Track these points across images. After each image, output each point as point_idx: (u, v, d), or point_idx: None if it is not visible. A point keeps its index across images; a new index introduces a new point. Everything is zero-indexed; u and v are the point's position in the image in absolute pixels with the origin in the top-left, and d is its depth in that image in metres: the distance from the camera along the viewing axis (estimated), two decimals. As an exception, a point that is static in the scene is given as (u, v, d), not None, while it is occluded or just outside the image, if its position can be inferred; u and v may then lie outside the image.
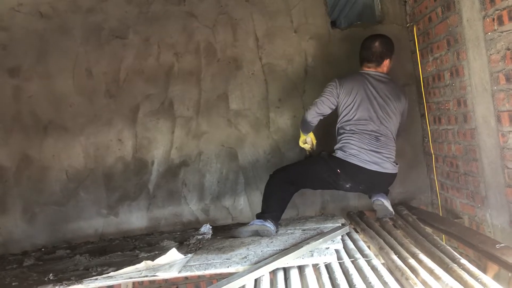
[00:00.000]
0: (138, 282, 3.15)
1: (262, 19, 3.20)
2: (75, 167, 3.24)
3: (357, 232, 2.55)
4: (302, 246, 2.11)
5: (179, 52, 3.22)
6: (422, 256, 1.93)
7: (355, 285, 1.71)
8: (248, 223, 2.61)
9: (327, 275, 1.87)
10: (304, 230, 2.55)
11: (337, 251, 2.11)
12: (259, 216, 2.60)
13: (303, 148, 3.00)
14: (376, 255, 2.08)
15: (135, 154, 3.26)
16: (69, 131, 3.22)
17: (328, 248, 2.13)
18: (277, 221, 2.58)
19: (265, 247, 2.30)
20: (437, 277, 1.68)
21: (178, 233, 2.99)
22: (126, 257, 2.42)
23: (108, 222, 3.23)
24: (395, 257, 1.97)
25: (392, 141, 2.72)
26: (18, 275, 2.34)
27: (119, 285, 2.99)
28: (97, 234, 3.20)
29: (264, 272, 1.94)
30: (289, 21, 3.19)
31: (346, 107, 2.68)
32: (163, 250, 2.38)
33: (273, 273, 1.97)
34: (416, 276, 1.71)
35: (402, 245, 2.14)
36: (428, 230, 2.37)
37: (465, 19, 2.29)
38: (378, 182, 2.70)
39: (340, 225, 2.55)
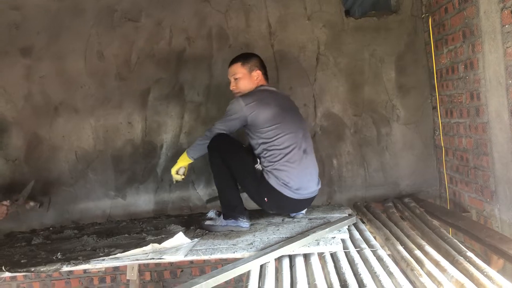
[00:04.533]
0: (144, 264, 3.18)
1: (275, 5, 3.17)
2: (84, 148, 3.26)
3: (363, 222, 2.54)
4: (308, 235, 2.11)
5: (191, 36, 3.20)
6: (428, 248, 1.93)
7: (360, 274, 1.71)
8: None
9: (332, 264, 1.88)
10: (310, 219, 2.55)
11: (343, 240, 2.11)
12: (228, 215, 2.50)
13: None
14: (382, 246, 2.08)
15: (144, 138, 3.27)
16: (79, 112, 3.24)
17: (334, 237, 2.13)
18: (244, 212, 2.52)
19: (271, 234, 2.31)
20: (442, 269, 1.68)
21: (185, 217, 3.00)
22: (133, 239, 2.44)
23: (116, 204, 3.25)
24: (401, 248, 1.97)
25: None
26: (26, 253, 2.37)
27: (125, 266, 3.03)
28: (105, 216, 3.23)
29: (269, 258, 1.94)
30: (303, 8, 3.16)
31: None
32: (170, 234, 2.40)
33: (279, 260, 1.98)
34: (421, 267, 1.72)
35: (408, 236, 2.14)
36: (435, 222, 2.36)
37: (482, 11, 2.25)
38: None
39: (347, 215, 2.55)
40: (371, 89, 3.14)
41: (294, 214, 2.63)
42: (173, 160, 3.23)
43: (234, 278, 3.29)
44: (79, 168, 3.25)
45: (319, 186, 2.61)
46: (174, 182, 2.74)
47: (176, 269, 3.35)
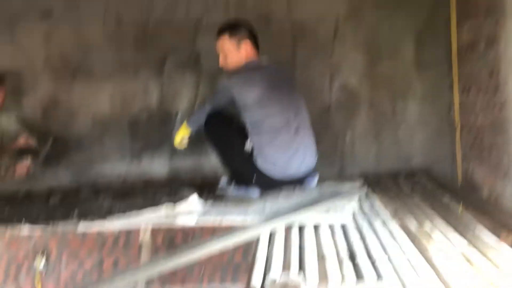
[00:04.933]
0: (156, 228, 3.26)
1: (295, -24, 3.13)
2: (101, 113, 3.31)
3: (373, 195, 2.57)
4: (318, 204, 2.14)
5: (209, 5, 3.19)
6: (437, 222, 1.95)
7: (368, 244, 1.75)
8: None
9: (341, 233, 1.91)
10: (321, 189, 2.58)
11: (353, 211, 2.14)
12: (239, 184, 2.56)
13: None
14: (391, 218, 2.11)
15: (160, 105, 3.30)
16: (97, 78, 3.28)
17: (344, 208, 2.16)
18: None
19: (282, 202, 2.35)
20: (451, 243, 1.70)
21: (198, 184, 3.06)
22: (148, 202, 2.49)
23: (131, 169, 3.32)
24: (410, 220, 1.99)
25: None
26: (44, 210, 2.46)
27: (138, 231, 3.12)
28: (120, 179, 3.30)
29: (279, 225, 1.99)
30: (323, -22, 3.12)
31: None
32: (183, 199, 2.45)
33: (288, 228, 2.02)
34: (430, 240, 1.74)
35: (418, 209, 2.16)
36: (446, 198, 2.38)
37: (507, -14, 2.21)
38: None
39: (358, 187, 2.57)
40: (388, 63, 3.11)
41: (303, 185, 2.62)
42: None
43: (242, 248, 3.38)
44: (96, 133, 3.31)
45: (315, 162, 2.58)
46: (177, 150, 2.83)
47: (188, 233, 3.42)
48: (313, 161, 2.57)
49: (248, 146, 2.48)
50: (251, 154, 2.46)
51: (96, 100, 3.31)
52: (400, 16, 3.07)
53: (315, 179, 2.67)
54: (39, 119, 3.31)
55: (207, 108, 2.56)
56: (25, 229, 2.23)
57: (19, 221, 2.24)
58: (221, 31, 2.52)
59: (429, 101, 3.11)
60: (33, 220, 2.25)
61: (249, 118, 2.44)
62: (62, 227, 2.17)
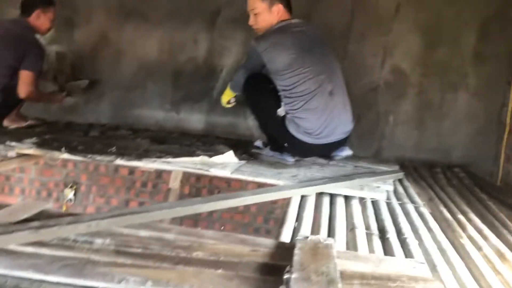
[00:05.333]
0: (185, 177, 3.32)
1: None
2: (148, 57, 3.33)
3: (408, 181, 2.52)
4: (353, 179, 2.12)
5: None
6: (472, 216, 1.90)
7: (400, 224, 1.72)
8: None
9: (372, 210, 1.90)
10: (356, 166, 2.55)
11: (387, 191, 2.11)
12: (275, 148, 2.54)
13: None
14: (424, 205, 2.07)
15: (207, 59, 3.30)
16: (149, 21, 3.29)
17: (379, 187, 2.13)
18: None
19: (315, 172, 2.34)
20: (484, 237, 1.66)
21: (233, 141, 3.07)
22: (184, 150, 2.52)
23: (169, 117, 3.36)
24: (443, 210, 1.96)
25: None
26: (84, 142, 2.51)
27: (169, 176, 3.18)
28: (157, 126, 3.35)
29: (311, 192, 1.98)
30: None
31: None
32: (218, 152, 2.47)
33: (320, 195, 2.01)
34: (463, 231, 1.71)
35: (453, 201, 2.11)
36: (483, 196, 2.32)
37: None
38: None
39: (394, 170, 2.53)
40: (446, 51, 3.00)
41: (333, 154, 2.59)
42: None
43: (266, 208, 3.42)
44: (140, 76, 3.35)
45: (351, 127, 2.52)
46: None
47: (214, 188, 3.48)
48: (348, 126, 2.49)
49: (280, 111, 2.45)
50: (283, 119, 2.41)
51: (145, 44, 3.32)
52: (469, 1, 2.93)
53: (347, 149, 2.63)
54: (86, 54, 3.36)
55: (242, 72, 2.54)
56: (62, 156, 2.28)
57: (58, 148, 2.29)
58: None
59: (481, 96, 3.00)
60: (71, 149, 2.30)
61: (281, 83, 2.38)
62: (101, 159, 2.21)
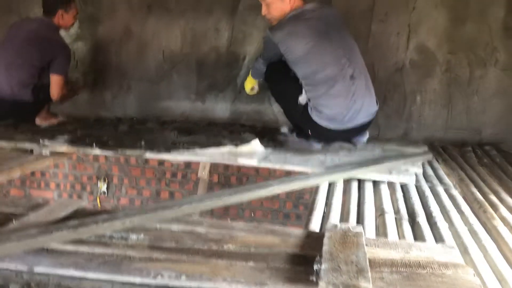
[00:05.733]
0: (214, 166, 3.36)
1: None
2: (171, 49, 3.36)
3: (438, 162, 2.50)
4: (381, 163, 2.11)
5: None
6: (504, 195, 1.88)
7: (430, 207, 1.72)
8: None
9: (401, 194, 1.89)
10: (384, 149, 2.54)
11: (416, 174, 2.10)
12: (301, 134, 2.53)
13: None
14: (455, 186, 2.05)
15: (229, 47, 3.30)
16: (171, 13, 3.30)
17: (408, 170, 2.12)
18: None
19: (342, 157, 2.34)
20: (519, 217, 1.64)
21: (259, 128, 3.09)
22: (210, 140, 2.55)
23: (195, 107, 3.39)
24: (475, 190, 1.94)
25: None
26: (114, 137, 2.57)
27: (197, 165, 3.23)
28: (184, 116, 3.38)
29: (339, 178, 1.99)
30: None
31: None
32: (244, 141, 2.49)
33: (348, 181, 2.02)
34: (495, 212, 1.69)
35: (484, 181, 2.08)
36: (516, 174, 2.27)
37: None
38: None
39: (423, 151, 2.50)
40: (473, 26, 2.91)
41: (354, 140, 2.55)
42: (254, 73, 3.28)
43: (295, 193, 3.44)
44: (165, 68, 3.38)
45: (376, 108, 2.46)
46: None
47: (243, 176, 3.52)
48: (373, 108, 2.43)
49: (302, 99, 2.42)
50: (305, 106, 2.38)
51: (168, 36, 3.35)
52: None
53: (367, 134, 2.59)
54: (112, 48, 3.42)
55: (262, 62, 2.54)
56: (94, 152, 2.35)
57: (89, 144, 2.36)
58: None
59: (511, 71, 2.91)
60: (102, 145, 2.36)
61: (300, 71, 2.33)
62: (131, 153, 2.27)
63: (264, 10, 2.40)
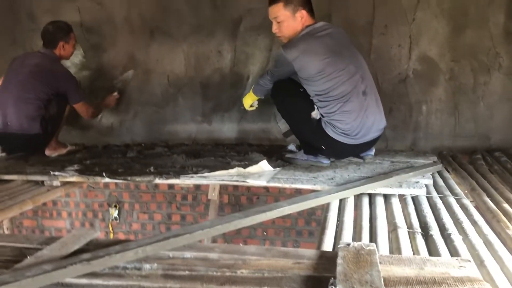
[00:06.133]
0: (224, 187, 3.37)
1: None
2: (176, 73, 3.40)
3: (448, 172, 2.48)
4: (391, 176, 2.11)
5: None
6: (518, 203, 1.86)
7: (442, 219, 1.70)
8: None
9: (413, 207, 1.88)
10: (393, 162, 2.53)
11: (426, 186, 2.09)
12: (309, 151, 2.52)
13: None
14: (466, 196, 2.04)
15: (232, 68, 3.33)
16: (173, 38, 3.35)
17: (418, 182, 2.11)
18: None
19: (352, 172, 2.33)
20: (533, 225, 1.62)
21: (266, 147, 3.10)
22: (218, 162, 2.57)
23: (202, 129, 3.41)
24: (487, 199, 1.92)
25: None
26: (123, 164, 2.59)
27: (207, 187, 3.24)
28: (191, 139, 3.41)
29: (349, 194, 1.98)
30: None
31: None
32: (253, 161, 2.50)
33: (359, 197, 2.01)
34: (508, 220, 1.67)
35: (496, 189, 2.06)
36: (528, 180, 2.25)
37: None
38: None
39: (432, 162, 2.49)
40: (473, 33, 2.92)
41: (363, 155, 2.59)
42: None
43: (307, 210, 3.43)
44: (170, 92, 3.42)
45: (385, 124, 2.50)
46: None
47: (253, 195, 3.52)
48: (382, 123, 2.48)
49: (315, 114, 2.43)
50: (319, 121, 2.40)
51: (171, 60, 3.39)
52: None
53: (373, 148, 2.63)
54: (116, 76, 3.47)
55: (269, 79, 2.53)
56: (104, 180, 2.37)
57: (99, 173, 2.38)
58: None
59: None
60: (112, 173, 2.38)
61: (314, 88, 2.35)
62: (140, 180, 2.28)
63: (274, 28, 2.40)
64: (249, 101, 2.77)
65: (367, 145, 2.50)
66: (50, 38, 2.92)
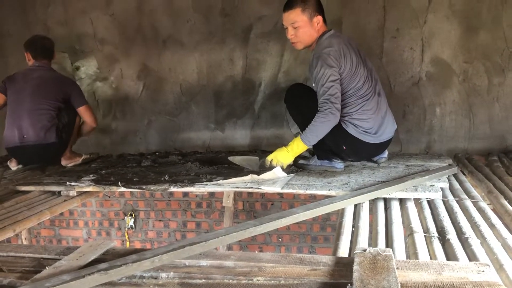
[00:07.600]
0: (238, 194, 3.37)
1: None
2: (188, 81, 3.43)
3: (464, 174, 2.45)
4: (406, 180, 2.08)
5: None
6: (536, 206, 1.83)
7: (459, 222, 1.68)
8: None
9: (429, 211, 1.86)
10: (408, 165, 2.51)
11: (442, 189, 2.06)
12: (322, 156, 2.50)
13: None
14: (483, 198, 2.01)
15: (244, 75, 3.35)
16: (185, 47, 3.38)
17: (433, 185, 2.08)
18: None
19: (366, 177, 2.32)
20: (553, 228, 1.59)
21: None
22: (232, 169, 2.57)
23: (215, 136, 3.43)
24: (505, 202, 1.89)
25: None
26: (138, 173, 2.61)
27: (221, 194, 3.24)
28: (204, 146, 3.43)
29: (364, 199, 1.97)
30: None
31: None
32: (267, 169, 2.49)
33: (374, 202, 1.99)
34: (528, 223, 1.64)
35: (514, 192, 2.03)
36: (546, 181, 2.21)
37: None
38: None
39: (447, 165, 2.47)
40: (487, 34, 2.90)
41: (376, 158, 2.59)
42: (270, 98, 3.31)
43: (322, 216, 3.41)
44: (183, 100, 3.45)
45: (396, 126, 2.54)
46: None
47: (267, 201, 3.51)
48: (394, 125, 2.53)
49: None
50: (339, 123, 2.36)
51: (184, 69, 3.42)
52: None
53: (386, 151, 2.64)
54: (130, 86, 3.51)
55: (330, 107, 2.28)
56: (119, 190, 2.39)
57: (114, 182, 2.40)
58: (291, 5, 2.32)
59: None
60: (127, 182, 2.40)
61: (342, 88, 2.35)
62: (155, 189, 2.30)
63: (290, 34, 2.37)
64: (292, 158, 2.44)
65: (382, 146, 2.53)
66: (49, 52, 3.04)
